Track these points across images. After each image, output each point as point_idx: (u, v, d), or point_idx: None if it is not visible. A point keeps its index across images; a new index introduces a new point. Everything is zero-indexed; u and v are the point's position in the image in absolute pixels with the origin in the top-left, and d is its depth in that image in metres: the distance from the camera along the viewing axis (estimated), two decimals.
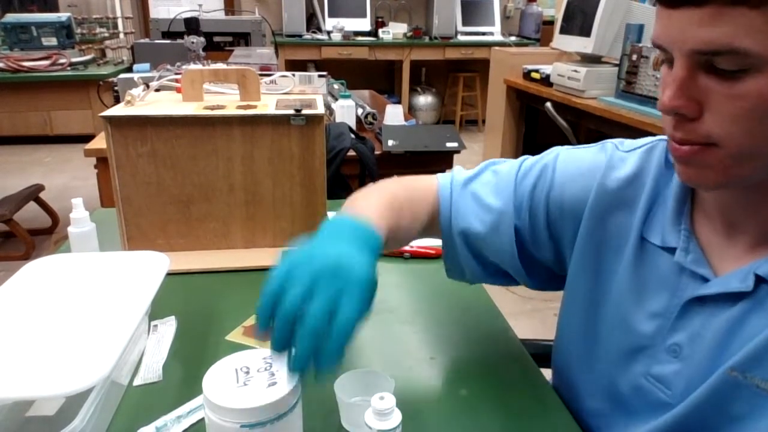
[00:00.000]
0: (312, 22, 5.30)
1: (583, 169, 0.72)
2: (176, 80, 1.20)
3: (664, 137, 0.68)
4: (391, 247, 0.70)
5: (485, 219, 0.76)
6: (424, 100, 5.68)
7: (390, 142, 1.93)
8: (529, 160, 0.78)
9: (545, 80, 3.17)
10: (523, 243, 0.76)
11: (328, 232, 0.59)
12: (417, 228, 0.77)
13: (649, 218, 0.65)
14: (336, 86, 2.29)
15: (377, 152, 1.89)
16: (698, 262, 0.60)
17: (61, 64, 2.93)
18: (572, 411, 0.73)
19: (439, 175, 0.82)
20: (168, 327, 0.86)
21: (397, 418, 0.59)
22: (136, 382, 0.75)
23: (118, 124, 0.99)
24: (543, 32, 5.52)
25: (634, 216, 0.67)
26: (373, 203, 0.68)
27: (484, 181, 0.79)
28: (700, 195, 0.62)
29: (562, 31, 3.09)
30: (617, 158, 0.71)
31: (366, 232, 0.60)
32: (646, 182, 0.67)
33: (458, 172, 0.82)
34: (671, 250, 0.62)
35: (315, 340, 0.50)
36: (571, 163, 0.74)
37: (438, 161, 2.04)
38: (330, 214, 1.22)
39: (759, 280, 0.55)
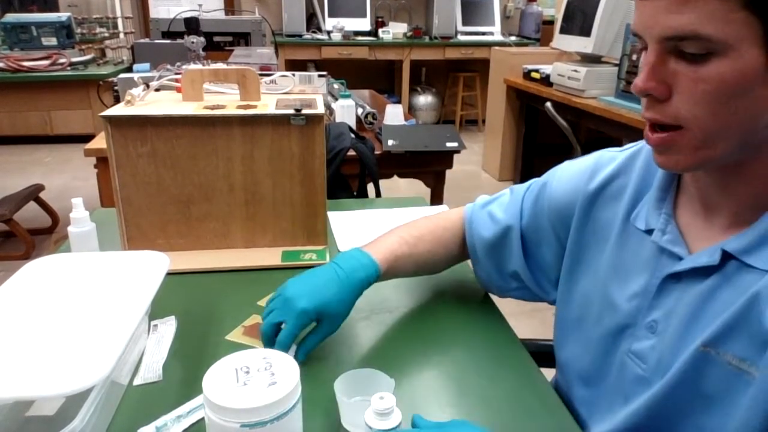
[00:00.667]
0: (312, 22, 5.30)
1: (575, 171, 0.79)
2: (176, 80, 1.20)
3: None
4: (409, 270, 0.89)
5: (494, 229, 0.87)
6: (424, 99, 5.68)
7: (390, 142, 1.93)
8: (539, 179, 0.86)
9: (545, 80, 3.17)
10: (531, 253, 0.85)
11: (327, 265, 0.82)
12: (442, 253, 0.91)
13: (639, 208, 0.69)
14: (336, 86, 2.29)
15: (377, 152, 1.89)
16: (674, 241, 0.63)
17: (61, 63, 2.92)
18: (572, 406, 0.74)
19: (467, 205, 0.95)
20: (168, 327, 0.86)
21: (396, 418, 0.59)
22: (136, 381, 0.75)
23: (118, 123, 0.99)
24: (543, 32, 5.52)
25: (620, 207, 0.71)
26: (386, 236, 0.87)
27: (500, 201, 0.90)
28: (684, 180, 0.65)
29: (562, 31, 3.10)
30: (607, 158, 0.76)
31: (364, 264, 0.80)
32: (632, 175, 0.71)
33: (481, 198, 0.94)
34: (652, 232, 0.66)
35: (268, 342, 0.76)
36: (566, 170, 0.81)
37: (438, 161, 2.04)
38: (330, 214, 1.22)
39: (726, 255, 0.57)
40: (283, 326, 0.75)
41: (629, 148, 0.75)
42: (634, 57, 2.46)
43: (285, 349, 0.74)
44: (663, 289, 0.63)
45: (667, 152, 0.57)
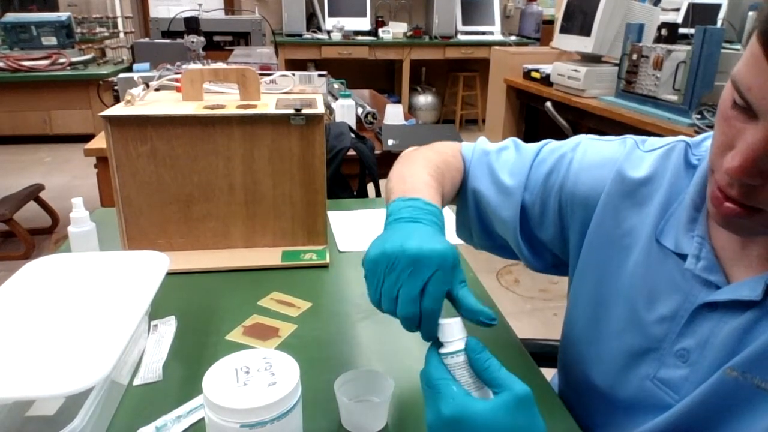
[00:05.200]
0: (312, 21, 5.30)
1: (600, 161, 0.72)
2: (176, 80, 1.20)
3: (685, 138, 0.68)
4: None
5: (494, 193, 0.79)
6: (424, 99, 5.68)
7: (390, 142, 1.93)
8: (550, 144, 0.79)
9: (545, 80, 3.17)
10: (529, 225, 0.79)
11: (405, 216, 0.62)
12: (453, 193, 0.81)
13: (664, 221, 0.65)
14: (336, 86, 2.29)
15: (377, 152, 1.88)
16: (710, 269, 0.60)
17: (61, 63, 2.93)
18: (574, 410, 0.73)
19: (463, 143, 0.86)
20: (168, 327, 0.86)
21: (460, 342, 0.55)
22: (136, 382, 0.75)
23: (118, 123, 0.99)
24: (543, 32, 5.52)
25: (647, 216, 0.67)
26: (424, 180, 0.71)
27: (504, 158, 0.81)
28: None
29: (562, 30, 3.09)
30: (636, 157, 0.70)
31: (435, 212, 0.64)
32: (661, 184, 0.67)
33: (482, 142, 0.85)
34: (684, 256, 0.62)
35: (410, 321, 0.55)
36: (589, 154, 0.74)
37: None
38: (330, 214, 1.21)
39: None
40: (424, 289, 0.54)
41: (657, 149, 0.69)
42: (634, 57, 2.46)
43: (436, 318, 0.55)
44: (696, 317, 0.60)
45: (736, 224, 0.53)
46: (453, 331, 0.55)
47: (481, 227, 0.84)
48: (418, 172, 0.73)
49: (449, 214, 0.82)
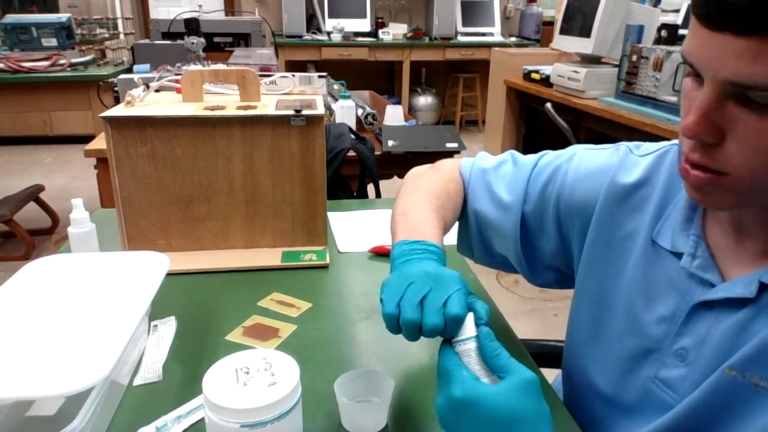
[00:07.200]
0: (312, 22, 5.30)
1: (595, 169, 0.74)
2: (176, 81, 1.20)
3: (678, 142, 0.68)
4: None
5: (494, 211, 0.81)
6: (424, 100, 5.68)
7: (390, 143, 1.93)
8: (547, 156, 0.80)
9: (545, 81, 3.17)
10: (529, 237, 0.80)
11: (415, 257, 0.66)
12: (456, 218, 0.83)
13: (661, 222, 0.66)
14: (336, 87, 2.29)
15: (377, 153, 1.89)
16: (705, 267, 0.60)
17: (61, 64, 2.93)
18: (579, 413, 0.73)
19: (463, 160, 0.87)
20: (168, 327, 0.86)
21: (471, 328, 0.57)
22: (136, 382, 0.75)
23: (118, 124, 0.99)
24: (543, 33, 5.52)
25: (644, 219, 0.67)
26: (427, 216, 0.74)
27: (501, 173, 0.82)
28: None
29: (562, 31, 3.10)
30: (630, 161, 0.71)
31: (437, 252, 0.67)
32: (656, 187, 0.67)
33: (481, 158, 0.86)
34: (680, 255, 0.62)
35: (434, 331, 0.58)
36: (584, 163, 0.75)
37: None
38: (330, 215, 1.22)
39: (763, 287, 0.55)
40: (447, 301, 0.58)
41: (650, 153, 0.71)
42: (634, 58, 2.46)
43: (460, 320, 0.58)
44: (693, 316, 0.61)
45: (707, 192, 0.54)
46: (467, 321, 0.57)
47: (483, 246, 0.86)
48: (421, 207, 0.76)
49: (451, 229, 0.83)
